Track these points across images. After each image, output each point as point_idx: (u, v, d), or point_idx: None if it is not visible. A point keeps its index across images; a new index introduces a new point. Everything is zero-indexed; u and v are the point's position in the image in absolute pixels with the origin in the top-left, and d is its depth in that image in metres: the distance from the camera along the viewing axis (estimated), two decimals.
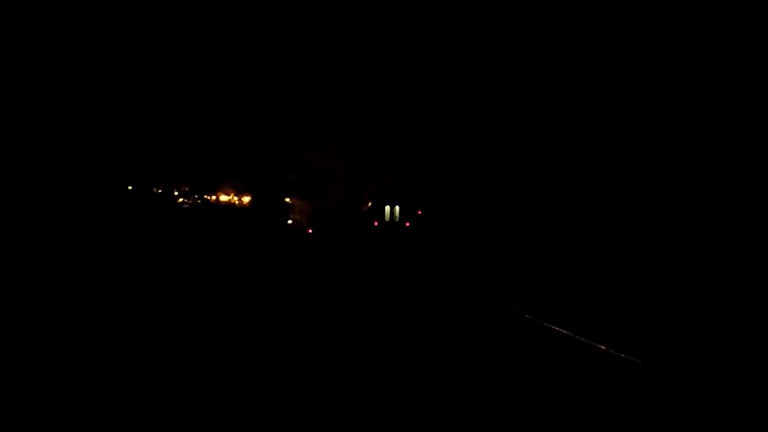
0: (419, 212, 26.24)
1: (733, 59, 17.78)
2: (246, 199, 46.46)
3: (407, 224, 26.54)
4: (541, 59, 25.01)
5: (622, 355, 8.81)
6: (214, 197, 49.89)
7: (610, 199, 20.86)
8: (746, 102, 17.31)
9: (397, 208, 26.90)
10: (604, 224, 20.54)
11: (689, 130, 18.89)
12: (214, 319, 10.86)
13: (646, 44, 20.17)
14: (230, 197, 49.28)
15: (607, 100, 21.88)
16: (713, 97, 18.28)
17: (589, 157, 22.20)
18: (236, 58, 36.75)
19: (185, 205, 46.45)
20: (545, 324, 11.02)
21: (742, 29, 17.44)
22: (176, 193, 47.74)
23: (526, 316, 11.78)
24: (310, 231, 34.11)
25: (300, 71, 36.73)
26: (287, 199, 42.21)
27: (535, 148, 25.51)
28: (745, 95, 17.40)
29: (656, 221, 19.03)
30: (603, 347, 9.25)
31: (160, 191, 44.72)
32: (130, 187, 38.90)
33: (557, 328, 10.62)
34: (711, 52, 18.36)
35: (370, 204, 28.78)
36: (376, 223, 27.55)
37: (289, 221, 38.73)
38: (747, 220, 16.66)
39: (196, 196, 47.30)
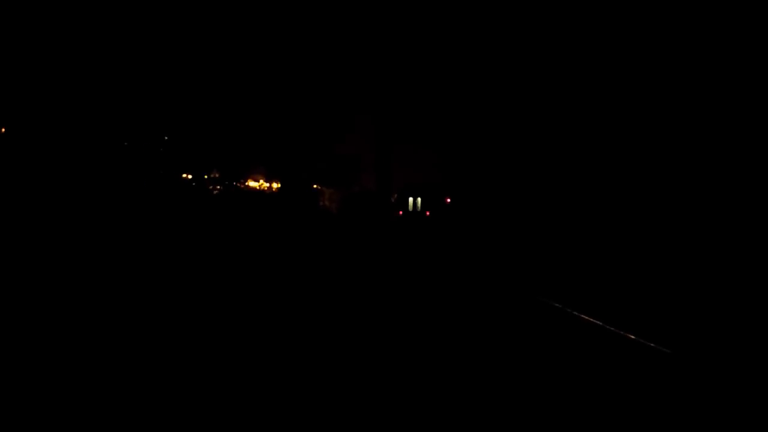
0: (447, 200, 27.92)
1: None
2: (275, 186, 46.79)
3: (428, 213, 28.97)
4: (563, 54, 24.92)
5: (651, 344, 8.84)
6: (244, 183, 50.25)
7: (642, 187, 20.72)
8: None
9: (419, 199, 29.48)
10: (634, 214, 20.41)
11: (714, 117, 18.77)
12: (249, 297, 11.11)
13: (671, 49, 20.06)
14: (260, 184, 49.66)
15: (627, 92, 21.79)
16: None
17: (620, 146, 22.04)
18: (269, 49, 36.99)
19: (215, 191, 46.92)
20: (574, 312, 11.06)
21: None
22: (207, 179, 48.24)
23: (555, 304, 11.81)
24: (339, 218, 34.43)
25: (332, 62, 36.86)
26: (316, 186, 42.46)
27: (562, 138, 25.41)
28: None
29: (685, 214, 18.89)
30: (632, 336, 9.29)
31: (190, 177, 45.18)
32: (161, 172, 39.32)
33: (586, 317, 10.65)
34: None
35: (396, 196, 31.42)
36: (401, 213, 30.13)
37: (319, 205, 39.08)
38: None
39: (227, 182, 47.72)
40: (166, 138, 38.46)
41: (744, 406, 6.72)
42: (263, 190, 48.94)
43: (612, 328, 9.83)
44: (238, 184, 50.48)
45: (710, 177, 18.64)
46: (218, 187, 48.93)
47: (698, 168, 19.08)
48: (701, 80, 19.55)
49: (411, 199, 29.97)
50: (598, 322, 10.26)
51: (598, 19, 23.21)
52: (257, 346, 8.15)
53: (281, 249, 20.19)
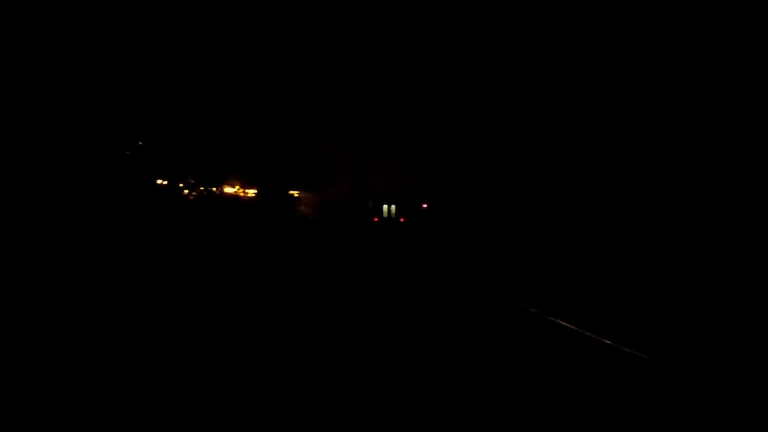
0: (424, 205, 29.07)
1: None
2: (251, 192, 46.47)
3: (401, 220, 30.85)
4: (533, 68, 25.13)
5: (627, 349, 8.72)
6: (219, 189, 49.83)
7: (617, 194, 20.78)
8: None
9: (393, 207, 31.46)
10: (610, 219, 20.46)
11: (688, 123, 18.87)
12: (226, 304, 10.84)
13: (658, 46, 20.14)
14: (236, 189, 49.23)
15: (599, 96, 21.99)
16: (714, 97, 18.20)
17: (594, 154, 22.14)
18: (244, 54, 36.75)
19: (191, 197, 46.49)
20: (551, 318, 10.92)
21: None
22: (181, 185, 47.78)
23: (532, 310, 11.68)
24: (316, 223, 34.44)
25: (309, 69, 36.76)
26: (295, 193, 42.19)
27: (538, 145, 25.57)
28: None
29: (663, 218, 18.95)
30: (608, 341, 9.16)
31: (165, 183, 44.73)
32: (136, 179, 38.89)
33: (563, 322, 10.52)
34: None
35: (371, 203, 32.92)
36: (375, 219, 31.90)
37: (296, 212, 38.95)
38: (750, 218, 16.58)
39: (202, 188, 47.34)
40: (140, 144, 37.99)
41: (718, 409, 6.61)
42: (239, 195, 48.56)
43: (588, 333, 9.70)
44: (214, 190, 50.08)
45: (677, 185, 18.76)
46: (194, 192, 48.50)
47: (665, 176, 19.20)
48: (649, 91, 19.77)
49: (385, 207, 31.74)
50: (573, 327, 10.13)
51: (567, 35, 23.39)
52: (221, 354, 7.90)
53: (257, 254, 19.93)
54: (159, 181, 42.90)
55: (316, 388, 6.78)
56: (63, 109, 28.61)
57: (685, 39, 19.18)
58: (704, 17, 18.51)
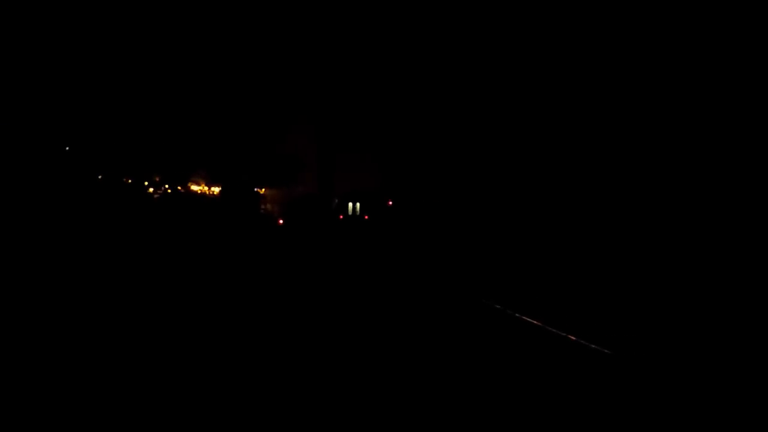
0: (390, 203, 29.01)
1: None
2: (216, 190, 46.03)
3: (366, 217, 30.89)
4: (494, 63, 25.26)
5: (592, 345, 8.76)
6: (185, 187, 49.24)
7: (577, 191, 20.95)
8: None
9: (358, 204, 31.65)
10: (572, 216, 20.61)
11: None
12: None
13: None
14: (201, 187, 48.71)
15: (559, 94, 22.19)
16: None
17: (558, 152, 22.29)
18: (208, 50, 36.31)
19: (156, 195, 45.89)
20: (516, 314, 10.94)
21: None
22: (146, 183, 47.17)
23: (497, 306, 11.69)
24: (281, 221, 34.27)
25: (273, 64, 36.47)
26: (261, 190, 41.85)
27: (502, 144, 25.71)
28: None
29: (620, 214, 19.12)
30: (573, 337, 9.19)
31: (130, 181, 44.13)
32: (99, 177, 38.30)
33: (528, 319, 10.54)
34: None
35: (336, 201, 33.47)
36: (341, 216, 32.25)
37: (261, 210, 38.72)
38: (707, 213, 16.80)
39: (167, 186, 46.76)
40: (107, 142, 37.41)
41: (681, 404, 6.66)
42: (204, 193, 48.10)
43: (553, 330, 9.73)
44: (180, 188, 49.49)
45: (638, 177, 18.94)
46: (159, 191, 47.90)
47: (624, 168, 19.38)
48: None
49: (350, 204, 31.89)
50: (539, 324, 10.15)
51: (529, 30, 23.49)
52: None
53: (219, 252, 19.74)
54: (125, 179, 42.39)
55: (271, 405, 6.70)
56: (32, 111, 28.03)
57: (675, 38, 19.23)
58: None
